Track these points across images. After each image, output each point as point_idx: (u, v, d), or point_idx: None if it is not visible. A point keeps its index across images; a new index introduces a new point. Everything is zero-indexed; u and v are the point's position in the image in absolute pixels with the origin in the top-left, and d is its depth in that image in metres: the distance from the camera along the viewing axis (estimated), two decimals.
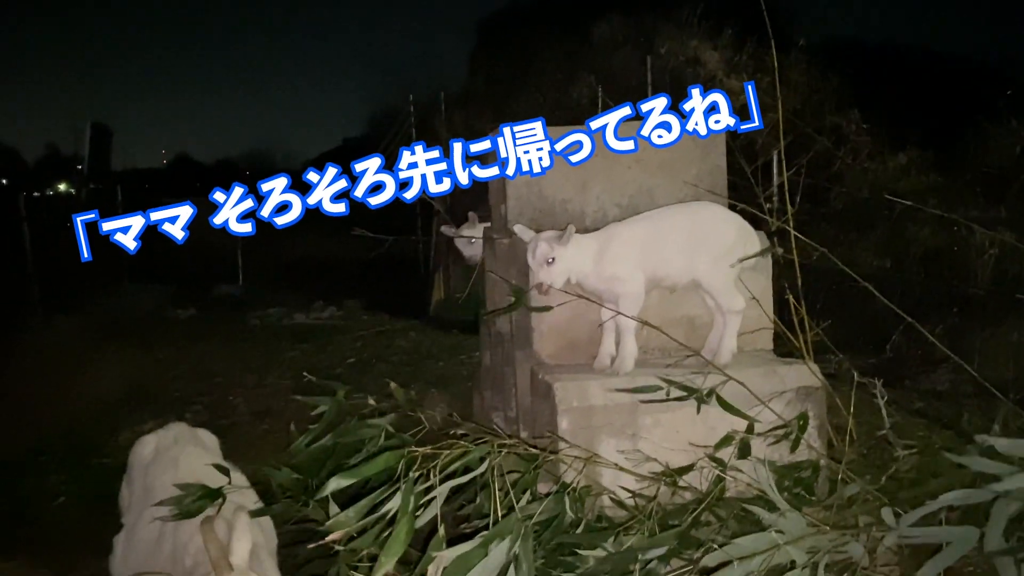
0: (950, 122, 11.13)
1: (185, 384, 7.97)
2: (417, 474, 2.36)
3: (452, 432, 2.68)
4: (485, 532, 2.26)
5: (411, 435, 3.12)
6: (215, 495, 2.63)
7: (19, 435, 6.45)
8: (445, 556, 2.19)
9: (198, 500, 2.61)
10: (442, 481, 2.36)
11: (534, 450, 2.76)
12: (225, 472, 2.82)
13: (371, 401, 3.10)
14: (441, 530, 2.25)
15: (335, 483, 2.36)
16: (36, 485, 5.51)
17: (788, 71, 8.88)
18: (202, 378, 8.13)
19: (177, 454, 3.07)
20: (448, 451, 2.44)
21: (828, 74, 10.18)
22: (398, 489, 2.32)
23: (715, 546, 2.08)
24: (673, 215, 3.42)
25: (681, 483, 2.78)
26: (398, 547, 2.21)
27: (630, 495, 2.82)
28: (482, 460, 2.48)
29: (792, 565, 1.96)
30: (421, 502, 2.34)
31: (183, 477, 2.76)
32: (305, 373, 3.88)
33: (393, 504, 2.28)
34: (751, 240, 3.39)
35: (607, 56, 12.73)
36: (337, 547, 2.44)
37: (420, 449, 2.43)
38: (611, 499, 2.82)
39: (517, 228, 3.48)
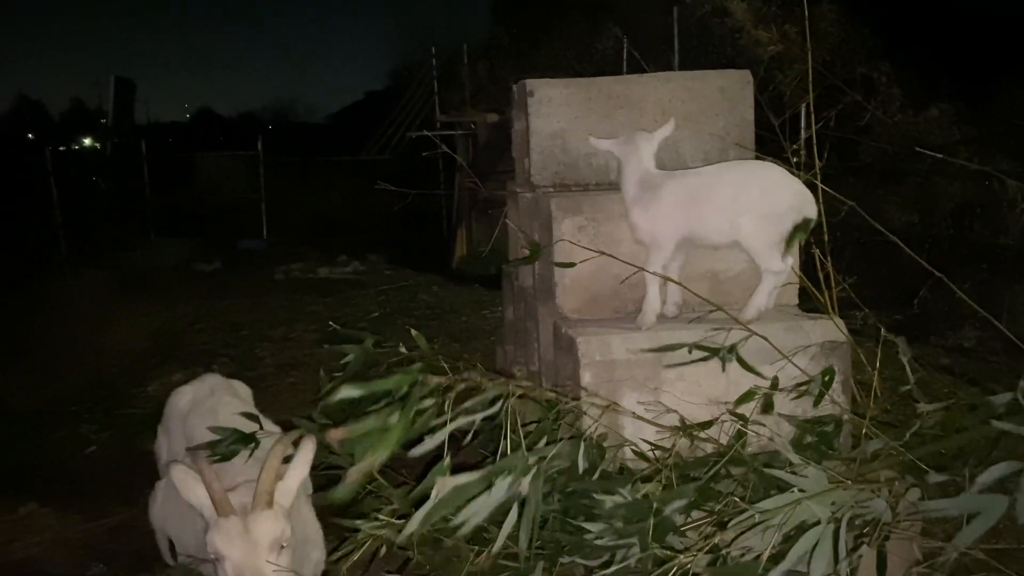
0: (983, 73, 10.86)
1: (211, 336, 8.09)
2: (425, 389, 2.34)
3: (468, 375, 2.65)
4: (494, 465, 2.23)
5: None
6: (249, 439, 2.68)
7: (50, 386, 6.58)
8: (445, 483, 2.15)
9: (233, 444, 2.66)
10: (454, 416, 2.34)
11: (552, 394, 2.77)
12: (257, 420, 2.87)
13: (402, 349, 3.11)
14: (447, 458, 2.23)
15: (344, 392, 2.35)
16: (68, 435, 5.63)
17: (818, 21, 8.68)
18: (228, 331, 8.24)
19: (215, 404, 3.13)
20: (463, 381, 2.43)
21: (859, 24, 9.94)
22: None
23: (736, 499, 2.08)
24: (727, 173, 3.25)
25: (703, 437, 2.79)
26: (386, 446, 2.19)
27: (651, 447, 2.83)
28: (496, 400, 2.45)
29: (814, 522, 1.95)
30: (430, 426, 2.31)
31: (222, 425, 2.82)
32: (331, 323, 3.91)
33: (395, 417, 2.26)
34: (808, 205, 3.23)
35: (632, 6, 12.49)
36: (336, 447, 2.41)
37: (435, 377, 2.41)
38: (633, 451, 2.83)
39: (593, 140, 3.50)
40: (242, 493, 2.31)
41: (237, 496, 2.28)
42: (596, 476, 2.42)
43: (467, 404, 2.44)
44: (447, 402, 2.40)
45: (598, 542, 2.22)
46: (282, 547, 2.24)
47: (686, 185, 3.25)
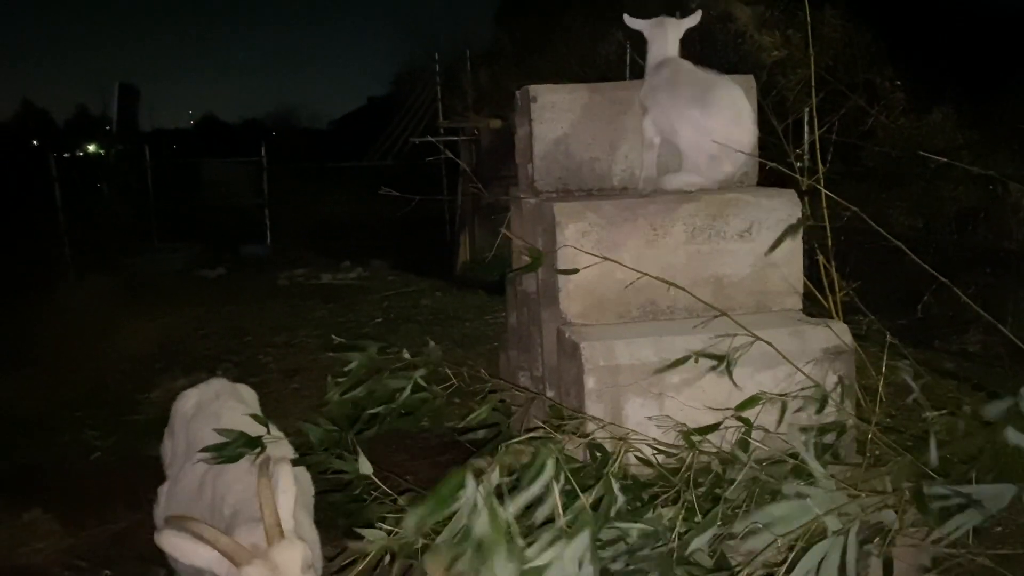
0: (986, 77, 10.84)
1: (215, 342, 8.09)
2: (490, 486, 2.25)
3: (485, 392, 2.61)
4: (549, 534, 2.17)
5: (442, 389, 3.15)
6: (254, 443, 2.68)
7: (54, 392, 6.59)
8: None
9: (238, 447, 2.66)
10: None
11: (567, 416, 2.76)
12: (264, 424, 2.87)
13: (405, 354, 3.11)
14: (518, 539, 2.15)
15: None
16: (72, 440, 5.64)
17: (821, 26, 8.68)
18: (232, 336, 8.24)
19: (219, 408, 3.13)
20: (509, 456, 2.35)
21: (862, 29, 9.94)
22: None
23: (752, 520, 2.03)
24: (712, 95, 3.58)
25: (710, 448, 2.78)
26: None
27: (655, 452, 2.82)
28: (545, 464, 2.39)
29: (823, 534, 1.94)
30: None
31: None
32: (334, 336, 3.92)
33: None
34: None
35: (635, 12, 12.50)
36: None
37: (481, 462, 2.35)
38: (637, 458, 2.83)
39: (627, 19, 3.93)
40: (243, 536, 2.25)
41: (242, 541, 2.23)
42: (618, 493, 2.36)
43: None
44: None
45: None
46: (310, 566, 2.21)
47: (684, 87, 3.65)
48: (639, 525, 2.27)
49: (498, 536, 1.78)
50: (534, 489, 2.04)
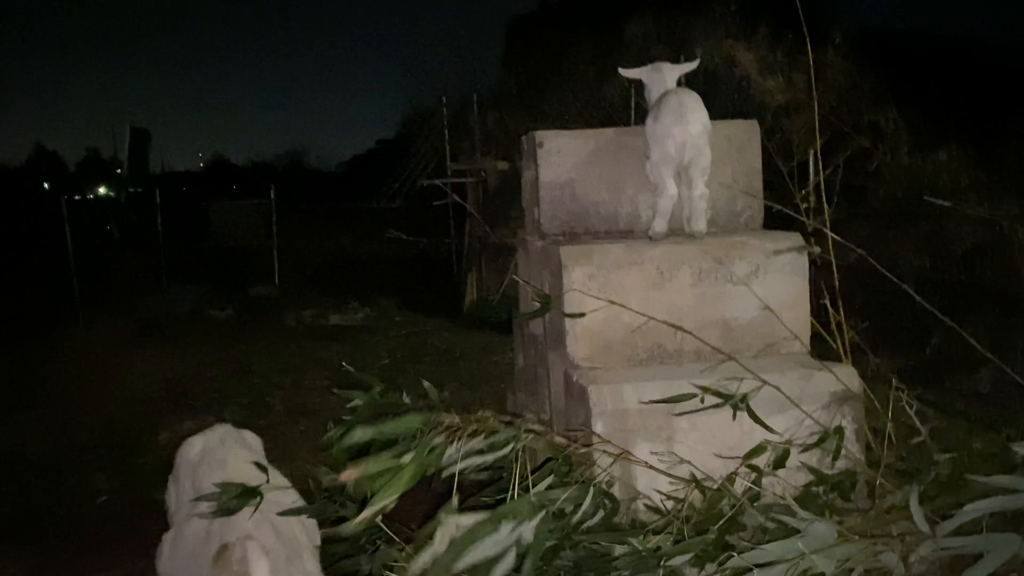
0: (992, 117, 10.88)
1: (223, 383, 8.08)
2: (439, 433, 2.34)
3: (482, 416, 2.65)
4: (500, 507, 2.23)
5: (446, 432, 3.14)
6: (253, 493, 2.67)
7: (62, 434, 6.58)
8: (453, 521, 2.15)
9: (237, 498, 2.65)
10: (465, 455, 2.33)
11: (563, 440, 2.76)
12: (265, 471, 2.86)
13: (405, 399, 3.11)
14: (455, 498, 2.22)
15: (356, 435, 2.35)
16: (79, 483, 5.61)
17: (824, 69, 8.76)
18: (239, 377, 8.23)
19: (224, 455, 3.12)
20: (475, 422, 2.42)
21: (865, 70, 10.01)
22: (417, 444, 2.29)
23: (736, 554, 2.05)
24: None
25: (716, 487, 2.76)
26: (400, 486, 2.18)
27: (664, 498, 2.81)
28: (508, 443, 2.45)
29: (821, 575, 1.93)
30: (441, 465, 2.31)
31: (231, 477, 2.81)
32: (344, 363, 3.93)
33: (408, 457, 2.26)
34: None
35: (639, 55, 12.64)
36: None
37: (446, 417, 2.41)
38: (645, 505, 2.81)
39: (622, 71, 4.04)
40: None
41: None
42: (598, 518, 2.39)
43: (478, 443, 2.43)
44: (459, 442, 2.40)
45: None
46: None
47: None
48: (623, 546, 2.27)
49: None
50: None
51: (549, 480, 2.50)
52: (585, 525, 2.42)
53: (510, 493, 2.38)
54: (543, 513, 2.21)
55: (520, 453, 2.47)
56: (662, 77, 3.83)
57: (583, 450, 2.89)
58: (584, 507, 2.41)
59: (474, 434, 2.46)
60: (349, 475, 2.24)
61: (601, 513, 2.45)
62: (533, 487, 2.39)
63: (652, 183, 3.78)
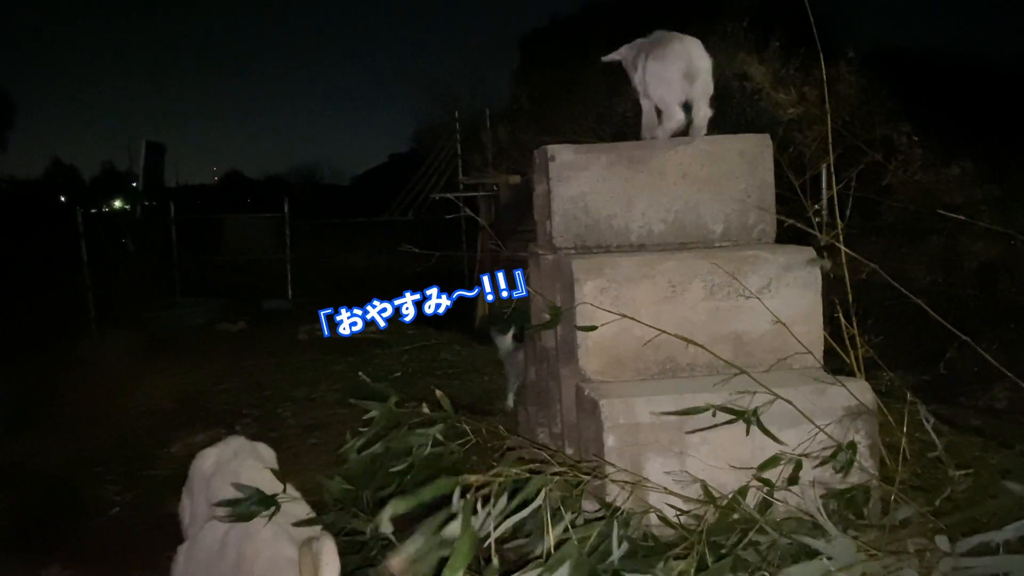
0: (1005, 131, 10.85)
1: (235, 396, 8.10)
2: (473, 498, 2.33)
3: (503, 450, 2.66)
4: (537, 560, 2.21)
5: (459, 444, 3.14)
6: (269, 502, 2.68)
7: (75, 446, 6.61)
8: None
9: (252, 504, 2.66)
10: (499, 517, 2.33)
11: (584, 476, 2.74)
12: (281, 482, 2.87)
13: (425, 409, 3.11)
14: (495, 560, 2.21)
15: (392, 508, 2.36)
16: (92, 496, 5.63)
17: (837, 83, 8.75)
18: (252, 391, 8.25)
19: (238, 467, 3.13)
20: (502, 478, 2.41)
21: (878, 85, 9.99)
22: (454, 515, 2.29)
23: (765, 574, 2.03)
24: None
25: (727, 503, 2.74)
26: (460, 564, 2.19)
27: (677, 513, 2.79)
28: (539, 492, 2.43)
29: None
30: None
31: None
32: (360, 372, 3.93)
33: (452, 529, 2.26)
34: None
35: None
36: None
37: (473, 477, 2.40)
38: (658, 517, 2.80)
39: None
40: None
41: None
42: (622, 548, 2.38)
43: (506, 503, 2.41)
44: (491, 495, 2.39)
45: None
46: None
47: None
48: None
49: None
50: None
51: (571, 517, 2.50)
52: (611, 559, 2.40)
53: (546, 548, 2.37)
54: (576, 556, 2.21)
55: (549, 502, 2.47)
56: (639, 50, 4.17)
57: (598, 482, 2.88)
58: (612, 540, 2.40)
59: (500, 488, 2.45)
60: (395, 565, 2.26)
61: (626, 545, 2.43)
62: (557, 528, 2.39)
63: (647, 122, 4.13)
